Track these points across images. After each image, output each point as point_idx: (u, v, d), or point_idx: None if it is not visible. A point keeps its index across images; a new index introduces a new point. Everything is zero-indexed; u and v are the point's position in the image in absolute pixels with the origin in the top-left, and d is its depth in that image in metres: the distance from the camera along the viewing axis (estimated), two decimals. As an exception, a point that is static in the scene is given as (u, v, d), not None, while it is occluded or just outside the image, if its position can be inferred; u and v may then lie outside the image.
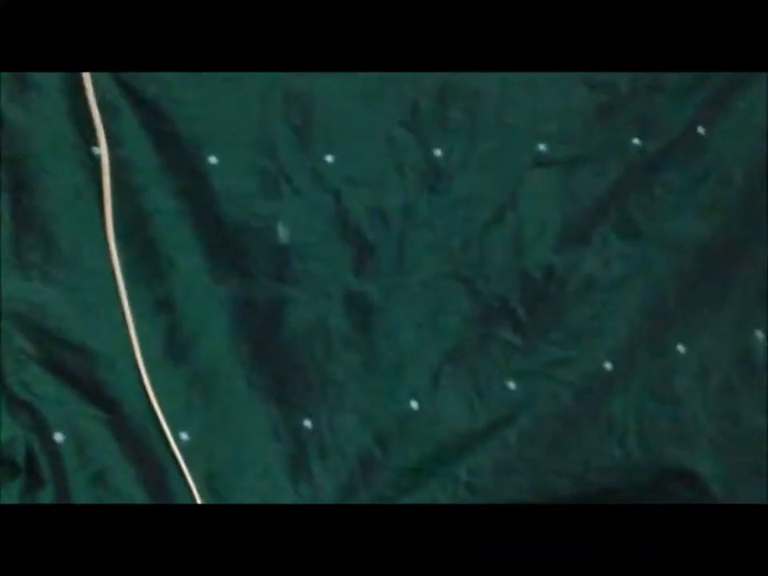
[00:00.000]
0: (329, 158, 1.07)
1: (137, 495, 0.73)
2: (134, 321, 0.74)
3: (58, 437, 0.74)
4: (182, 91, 0.98)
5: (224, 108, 1.01)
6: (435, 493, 0.80)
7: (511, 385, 0.85)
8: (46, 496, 0.78)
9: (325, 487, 0.78)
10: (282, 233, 0.80)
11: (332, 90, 1.04)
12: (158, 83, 0.98)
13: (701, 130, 1.25)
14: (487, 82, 1.08)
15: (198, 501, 0.76)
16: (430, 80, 1.04)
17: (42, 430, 0.77)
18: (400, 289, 0.82)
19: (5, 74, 0.79)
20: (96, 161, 0.97)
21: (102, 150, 0.97)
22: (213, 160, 0.98)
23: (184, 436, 0.74)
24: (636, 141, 1.19)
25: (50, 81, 0.87)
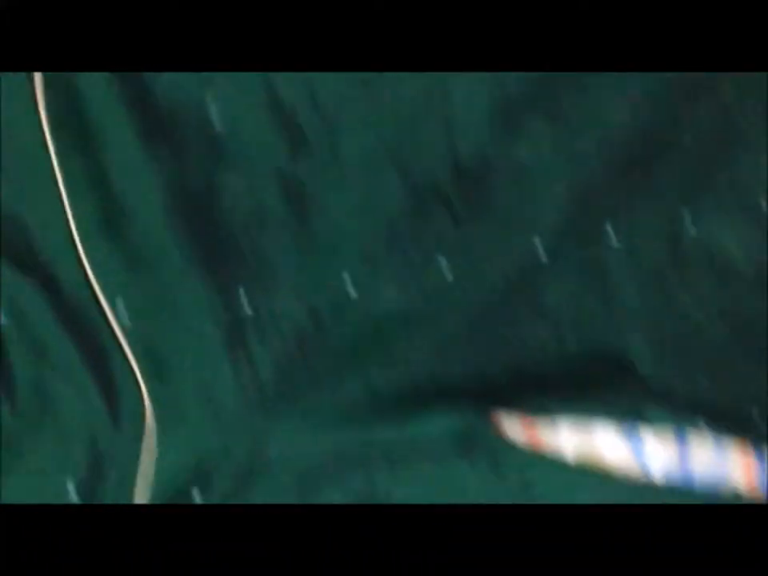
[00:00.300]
0: None
1: (79, 374, 0.74)
2: (67, 195, 0.75)
3: None
4: None
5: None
6: (371, 371, 0.79)
7: (445, 268, 0.86)
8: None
9: (263, 368, 0.80)
10: (216, 117, 0.82)
11: None
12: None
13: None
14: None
15: (140, 380, 0.75)
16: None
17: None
18: (333, 173, 0.83)
19: None
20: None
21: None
22: None
23: (123, 313, 0.75)
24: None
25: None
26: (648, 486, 0.92)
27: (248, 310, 0.80)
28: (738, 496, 0.93)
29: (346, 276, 0.83)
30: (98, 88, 0.81)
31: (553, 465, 0.89)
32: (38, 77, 0.79)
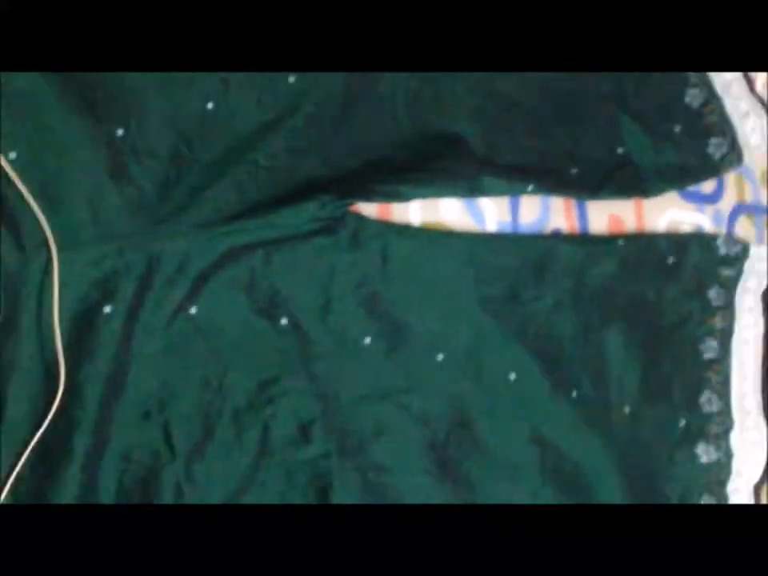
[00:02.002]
0: None
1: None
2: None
3: None
4: None
5: None
6: (240, 177, 0.86)
7: (291, 78, 0.92)
8: None
9: (145, 187, 0.84)
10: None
11: None
12: None
13: None
14: None
15: (38, 213, 0.77)
16: None
17: None
18: None
19: None
20: None
21: None
22: None
23: (16, 161, 0.79)
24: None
25: None
26: (481, 236, 1.01)
27: (125, 142, 0.83)
28: (558, 232, 1.05)
29: (207, 100, 0.87)
30: None
31: (403, 231, 0.95)
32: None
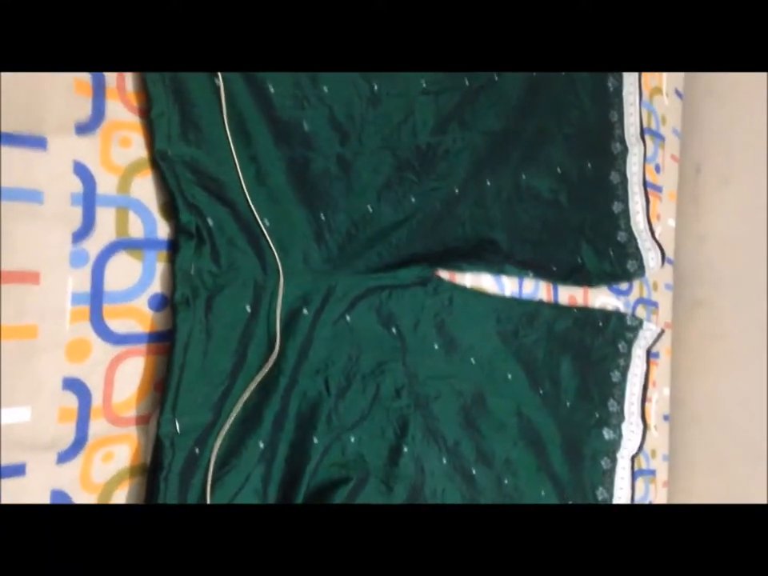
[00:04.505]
0: None
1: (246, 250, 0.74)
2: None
3: None
4: None
5: None
6: (381, 253, 0.87)
7: (413, 199, 0.93)
8: None
9: (332, 248, 0.82)
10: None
11: None
12: None
13: None
14: None
15: (276, 254, 0.74)
16: None
17: None
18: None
19: None
20: None
21: None
22: None
23: (266, 222, 0.76)
24: None
25: None
26: (501, 298, 1.00)
27: (323, 222, 0.82)
28: (542, 302, 1.04)
29: (369, 206, 0.86)
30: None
31: (461, 289, 0.95)
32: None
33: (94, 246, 0.63)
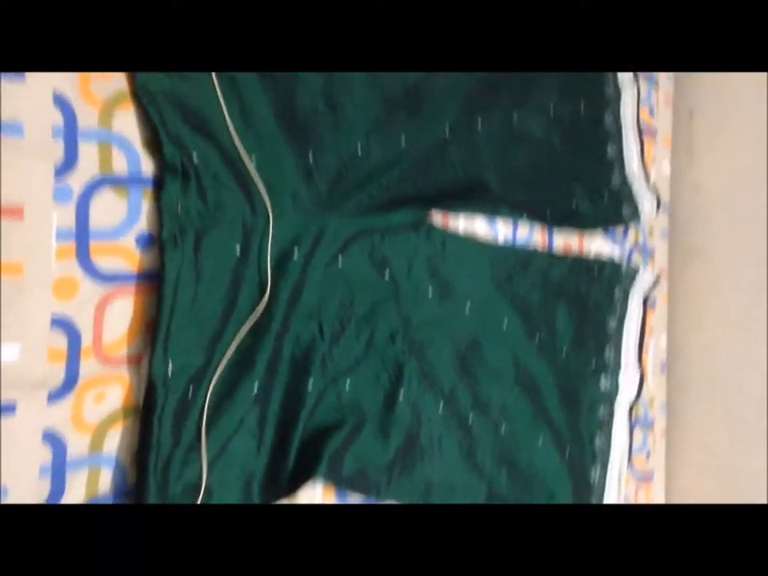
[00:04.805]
0: None
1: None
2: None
3: None
4: None
5: None
6: (372, 193, 0.85)
7: (403, 145, 0.92)
8: None
9: (321, 189, 0.80)
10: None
11: None
12: None
13: None
14: None
15: (264, 193, 0.72)
16: None
17: None
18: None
19: None
20: None
21: None
22: None
23: (253, 159, 0.74)
24: None
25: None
26: (495, 244, 0.98)
27: (312, 163, 0.80)
28: (536, 250, 1.03)
29: (358, 146, 0.84)
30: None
31: (454, 234, 0.93)
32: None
33: (77, 181, 0.61)
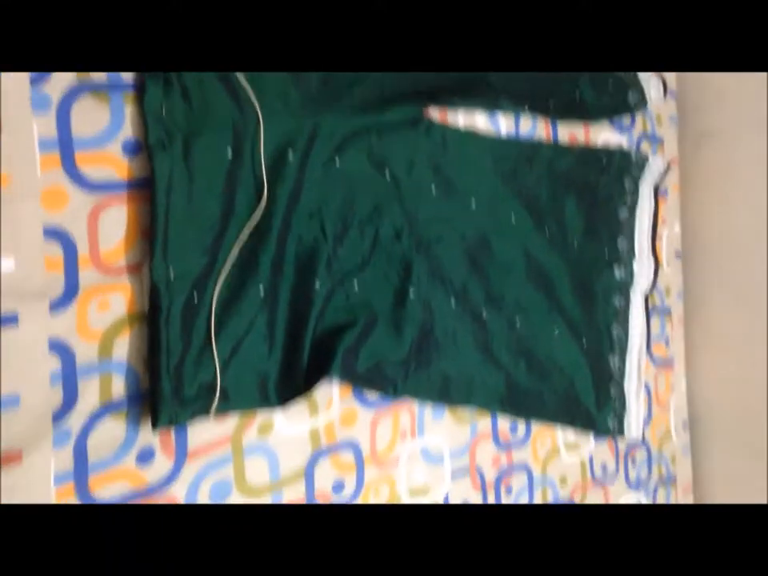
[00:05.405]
0: None
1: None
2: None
3: None
4: None
5: None
6: (366, 89, 0.81)
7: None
8: None
9: (312, 86, 0.77)
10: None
11: None
12: None
13: None
14: None
15: (252, 97, 0.69)
16: None
17: None
18: None
19: None
20: None
21: None
22: None
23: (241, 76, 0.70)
24: None
25: None
26: (497, 138, 0.95)
27: None
28: (540, 142, 0.99)
29: None
30: None
31: (454, 129, 0.90)
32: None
33: (55, 89, 0.59)
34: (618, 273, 1.04)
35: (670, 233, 1.19)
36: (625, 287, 1.07)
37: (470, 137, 0.91)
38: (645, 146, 1.11)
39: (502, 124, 0.94)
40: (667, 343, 1.15)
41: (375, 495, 0.76)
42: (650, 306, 1.08)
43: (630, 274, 1.06)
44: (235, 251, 0.68)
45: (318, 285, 0.75)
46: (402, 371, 0.80)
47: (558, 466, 0.97)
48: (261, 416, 0.70)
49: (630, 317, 1.07)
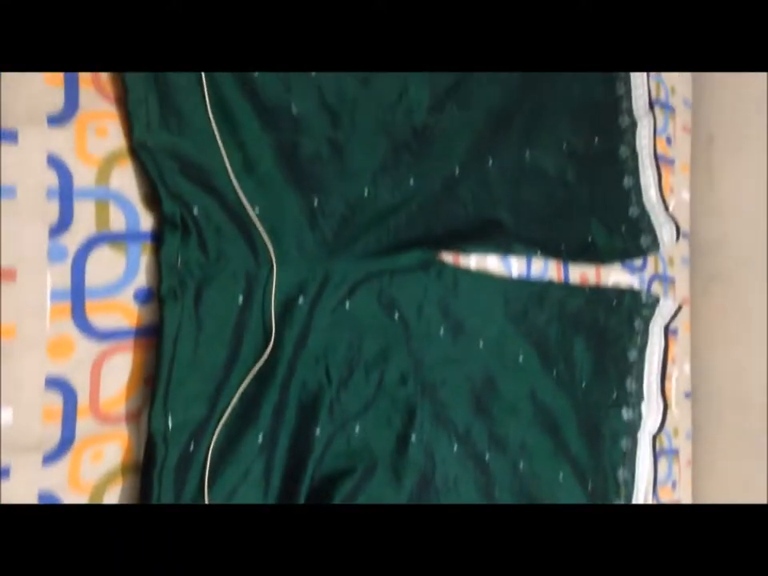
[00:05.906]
0: None
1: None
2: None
3: None
4: None
5: None
6: (380, 238, 0.81)
7: (412, 182, 0.88)
8: None
9: (326, 234, 0.76)
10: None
11: None
12: None
13: None
14: None
15: (267, 241, 0.68)
16: None
17: None
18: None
19: None
20: None
21: None
22: None
23: (257, 210, 0.71)
24: None
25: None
26: (509, 279, 0.94)
27: (317, 207, 0.76)
28: (551, 282, 0.98)
29: (365, 189, 0.81)
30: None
31: (466, 271, 0.90)
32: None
33: (72, 240, 0.59)
34: (626, 414, 1.02)
35: (680, 373, 1.16)
36: (632, 429, 1.03)
37: (482, 279, 0.90)
38: (656, 287, 1.10)
39: (513, 265, 0.94)
40: (674, 486, 1.10)
41: None
42: (657, 448, 1.05)
43: (639, 416, 1.03)
44: (236, 398, 0.67)
45: (318, 431, 0.73)
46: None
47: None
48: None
49: (636, 459, 1.04)
